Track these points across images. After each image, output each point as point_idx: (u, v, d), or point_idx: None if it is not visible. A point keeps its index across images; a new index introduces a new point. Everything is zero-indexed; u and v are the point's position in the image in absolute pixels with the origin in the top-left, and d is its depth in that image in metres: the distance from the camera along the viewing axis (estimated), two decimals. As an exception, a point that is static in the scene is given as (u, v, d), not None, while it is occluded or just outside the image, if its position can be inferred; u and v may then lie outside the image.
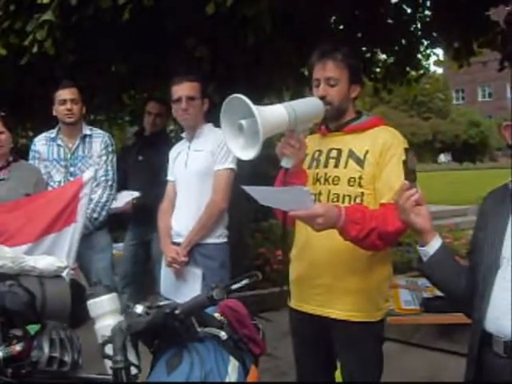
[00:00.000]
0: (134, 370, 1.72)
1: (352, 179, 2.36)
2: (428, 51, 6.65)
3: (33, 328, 2.01)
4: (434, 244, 1.88)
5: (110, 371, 1.70)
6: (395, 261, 5.51)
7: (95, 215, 3.94)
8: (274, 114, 2.15)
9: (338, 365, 2.59)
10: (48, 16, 4.07)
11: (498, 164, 29.24)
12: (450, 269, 1.91)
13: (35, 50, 4.25)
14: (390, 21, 5.89)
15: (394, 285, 4.26)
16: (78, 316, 2.19)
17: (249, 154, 2.13)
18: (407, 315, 4.19)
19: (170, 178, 3.60)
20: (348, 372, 2.50)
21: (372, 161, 2.34)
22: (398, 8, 5.85)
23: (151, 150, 4.47)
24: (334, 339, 2.48)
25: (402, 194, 1.86)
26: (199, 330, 1.73)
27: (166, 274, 3.49)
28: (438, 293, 3.99)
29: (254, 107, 2.02)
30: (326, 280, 2.41)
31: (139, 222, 4.47)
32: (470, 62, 6.06)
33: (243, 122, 2.10)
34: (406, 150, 1.93)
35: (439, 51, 6.40)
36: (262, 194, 2.11)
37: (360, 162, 2.36)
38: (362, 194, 2.34)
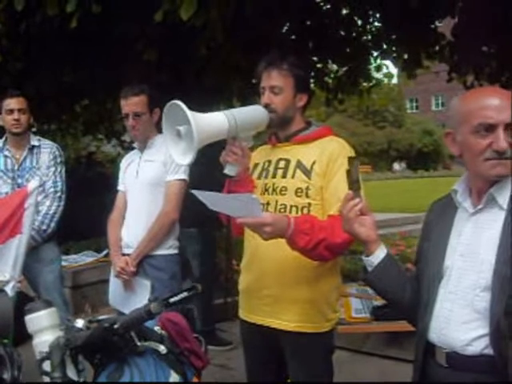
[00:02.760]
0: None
1: (299, 190, 2.35)
2: (378, 62, 6.75)
3: (-28, 346, 1.95)
4: (379, 254, 1.87)
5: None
6: (348, 269, 5.55)
7: (44, 227, 3.86)
8: (212, 120, 2.15)
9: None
10: None
11: (450, 172, 29.86)
12: (395, 279, 1.91)
13: None
14: (341, 32, 5.96)
15: (344, 293, 4.29)
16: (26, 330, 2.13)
17: (185, 159, 2.13)
18: (357, 324, 4.23)
19: (120, 187, 3.57)
20: (297, 382, 2.50)
21: (319, 171, 2.34)
22: (349, 19, 5.93)
23: None
24: (283, 349, 2.47)
25: (346, 204, 1.85)
26: (139, 344, 1.71)
27: (114, 285, 3.45)
28: (388, 300, 4.06)
29: (189, 113, 2.02)
30: (273, 291, 2.40)
31: None
32: (417, 74, 6.18)
33: (181, 128, 2.10)
34: (350, 159, 1.92)
35: (389, 63, 6.47)
36: (211, 199, 2.08)
37: (307, 173, 2.35)
38: (309, 204, 2.34)
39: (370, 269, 1.89)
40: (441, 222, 1.85)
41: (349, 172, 1.88)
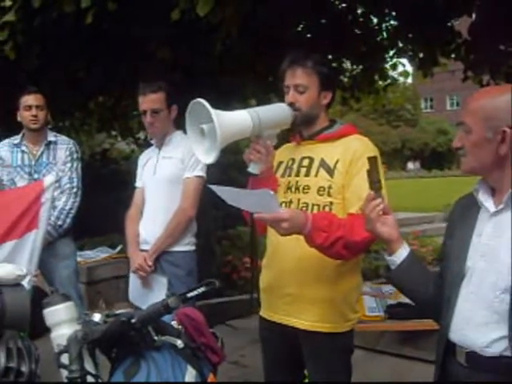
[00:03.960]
0: (90, 379, 1.70)
1: (321, 188, 2.35)
2: (394, 61, 6.71)
3: (-10, 338, 1.97)
4: (402, 253, 1.88)
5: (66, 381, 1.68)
6: (363, 268, 5.54)
7: (60, 222, 3.90)
8: (236, 119, 2.15)
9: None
10: (10, 17, 4.02)
11: (465, 172, 29.64)
12: (418, 277, 1.92)
13: None
14: (357, 30, 5.93)
15: (359, 292, 4.27)
16: (41, 324, 2.15)
17: (209, 158, 2.13)
18: (371, 322, 4.21)
19: (138, 184, 3.59)
20: (314, 382, 2.50)
21: (342, 170, 2.33)
22: (365, 18, 5.91)
23: None
24: (301, 349, 2.46)
25: (368, 204, 1.87)
26: (156, 338, 1.72)
27: (133, 281, 3.47)
28: (402, 299, 4.03)
29: (213, 112, 2.02)
30: (293, 289, 2.40)
31: None
32: (434, 72, 6.15)
33: (204, 126, 2.10)
34: (370, 159, 1.92)
35: (405, 61, 6.46)
36: (229, 195, 2.08)
37: (330, 171, 2.35)
38: (331, 203, 2.33)
39: (393, 267, 1.90)
40: (464, 220, 1.85)
41: (369, 172, 1.89)
